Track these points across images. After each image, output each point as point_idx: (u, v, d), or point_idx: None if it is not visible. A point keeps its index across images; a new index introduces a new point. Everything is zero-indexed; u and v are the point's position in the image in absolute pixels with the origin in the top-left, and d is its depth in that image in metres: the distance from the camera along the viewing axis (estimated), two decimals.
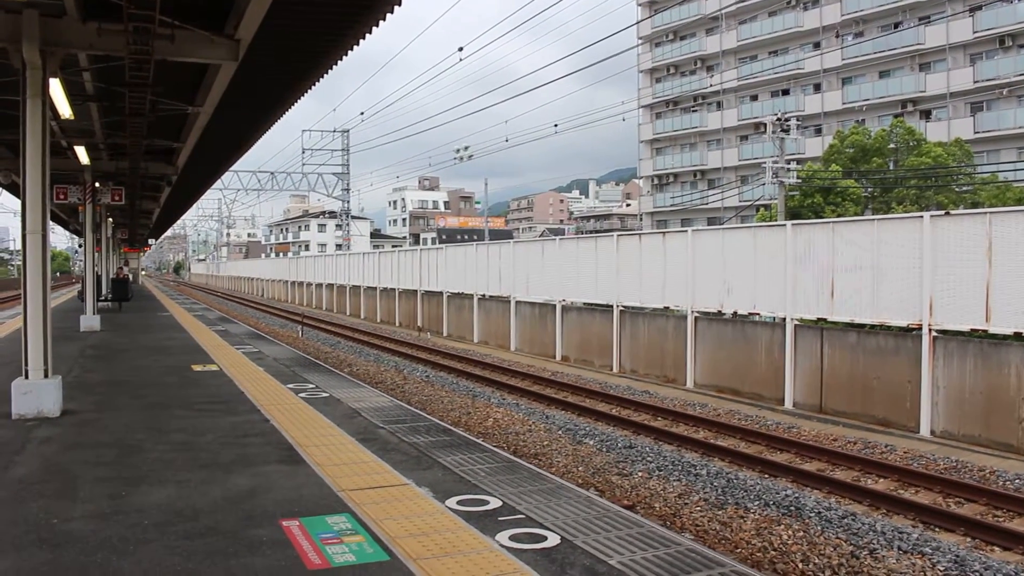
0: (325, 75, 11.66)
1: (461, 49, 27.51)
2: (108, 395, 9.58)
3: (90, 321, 18.38)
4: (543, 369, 18.45)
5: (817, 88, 50.69)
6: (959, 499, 8.71)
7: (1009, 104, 41.69)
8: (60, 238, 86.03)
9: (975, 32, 42.40)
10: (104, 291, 27.67)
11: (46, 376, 8.17)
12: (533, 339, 21.89)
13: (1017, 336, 10.75)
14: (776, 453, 10.73)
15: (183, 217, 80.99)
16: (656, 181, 61.94)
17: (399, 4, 8.29)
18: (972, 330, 11.26)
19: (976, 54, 43.24)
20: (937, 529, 7.86)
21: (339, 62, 10.86)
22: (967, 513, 8.21)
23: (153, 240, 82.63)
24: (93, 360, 13.18)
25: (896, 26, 46.25)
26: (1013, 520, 8.09)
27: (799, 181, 33.34)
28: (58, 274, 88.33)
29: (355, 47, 10.06)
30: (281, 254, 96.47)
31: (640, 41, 60.74)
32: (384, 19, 8.87)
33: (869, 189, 35.68)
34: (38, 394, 8.04)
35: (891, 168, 35.84)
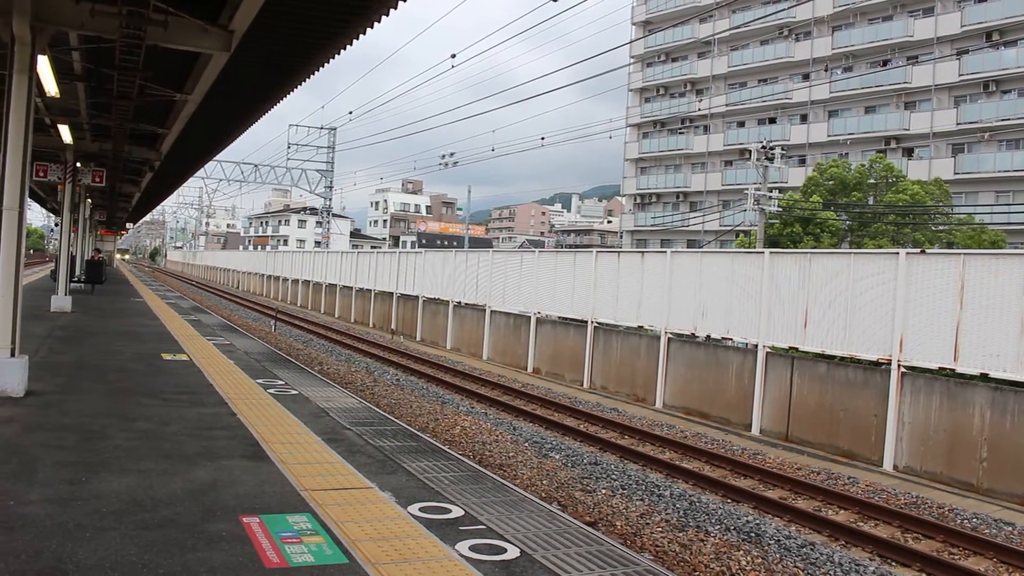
0: (317, 71, 11.63)
1: (454, 56, 27.45)
2: (75, 378, 9.48)
3: (61, 302, 18.18)
4: (514, 380, 18.45)
5: (803, 119, 51.17)
6: (917, 535, 8.80)
7: (989, 148, 42.32)
8: (36, 215, 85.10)
9: (960, 75, 43.02)
10: (78, 272, 27.37)
11: (13, 355, 8.07)
12: (506, 349, 21.89)
13: (983, 377, 10.91)
14: (740, 479, 10.79)
15: (163, 203, 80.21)
16: (639, 200, 62.19)
17: (395, 7, 8.30)
18: (940, 368, 11.40)
19: (960, 96, 43.86)
20: (893, 563, 7.94)
21: (332, 59, 10.84)
22: (923, 549, 8.30)
23: (131, 224, 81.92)
24: (62, 342, 13.03)
25: (884, 63, 46.85)
26: (968, 559, 8.19)
27: (780, 209, 33.64)
28: (32, 252, 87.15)
29: (349, 46, 10.05)
30: (260, 247, 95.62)
31: (632, 60, 61.14)
32: (379, 21, 8.87)
33: (847, 222, 36.05)
34: (3, 373, 7.94)
35: (870, 203, 36.23)
